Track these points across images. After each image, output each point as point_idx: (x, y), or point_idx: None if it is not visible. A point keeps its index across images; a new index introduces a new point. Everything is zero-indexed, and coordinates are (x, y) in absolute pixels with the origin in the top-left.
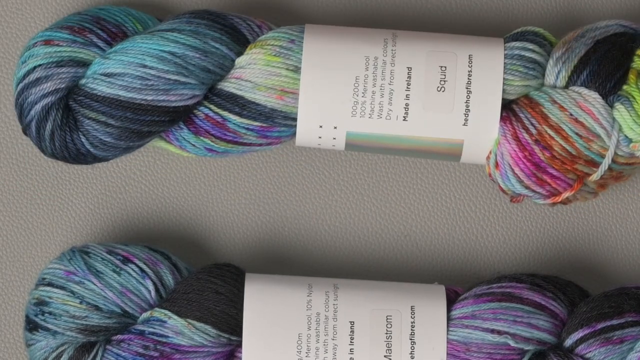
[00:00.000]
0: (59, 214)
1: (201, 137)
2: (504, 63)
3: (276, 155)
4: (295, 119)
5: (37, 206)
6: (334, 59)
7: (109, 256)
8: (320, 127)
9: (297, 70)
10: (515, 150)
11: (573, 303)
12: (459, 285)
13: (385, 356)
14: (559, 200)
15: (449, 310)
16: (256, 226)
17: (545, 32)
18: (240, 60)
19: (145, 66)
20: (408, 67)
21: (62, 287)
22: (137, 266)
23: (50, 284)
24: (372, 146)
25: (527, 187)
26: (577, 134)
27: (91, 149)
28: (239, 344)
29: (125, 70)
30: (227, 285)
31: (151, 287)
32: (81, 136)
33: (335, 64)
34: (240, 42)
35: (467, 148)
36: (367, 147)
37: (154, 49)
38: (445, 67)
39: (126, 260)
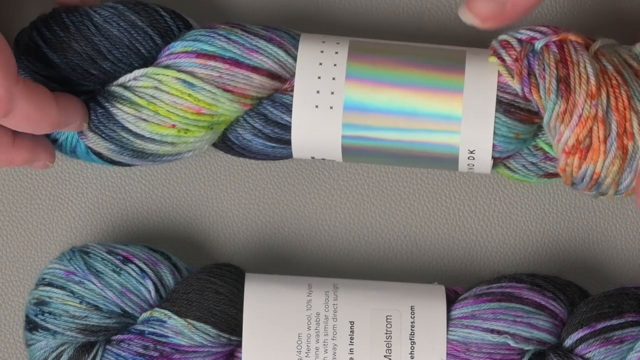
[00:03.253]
0: (59, 214)
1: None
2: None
3: None
4: None
5: (37, 206)
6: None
7: (109, 256)
8: None
9: None
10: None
11: (573, 303)
12: (459, 285)
13: (385, 356)
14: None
15: (448, 310)
16: (256, 226)
17: None
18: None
19: None
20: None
21: (62, 287)
22: (137, 266)
23: (50, 284)
24: None
25: None
26: None
27: None
28: (238, 344)
29: None
30: (227, 285)
31: (151, 287)
32: None
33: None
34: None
35: None
36: None
37: None
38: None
39: (126, 260)
